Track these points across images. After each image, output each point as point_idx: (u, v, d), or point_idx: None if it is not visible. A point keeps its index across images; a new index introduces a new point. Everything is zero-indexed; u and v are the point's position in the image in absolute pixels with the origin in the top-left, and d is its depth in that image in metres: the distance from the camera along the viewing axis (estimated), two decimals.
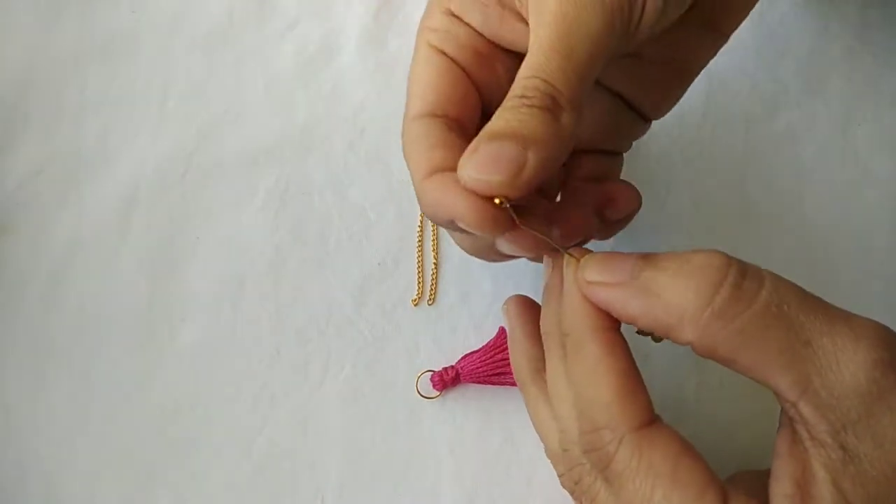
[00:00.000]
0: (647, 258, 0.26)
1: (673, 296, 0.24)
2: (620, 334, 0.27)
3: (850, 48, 0.42)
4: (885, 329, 0.25)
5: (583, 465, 0.27)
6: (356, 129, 0.41)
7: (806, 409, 0.23)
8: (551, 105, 0.25)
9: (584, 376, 0.27)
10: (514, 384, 0.36)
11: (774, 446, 0.25)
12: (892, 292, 0.38)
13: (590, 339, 0.26)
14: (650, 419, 0.26)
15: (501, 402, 0.36)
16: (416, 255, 0.39)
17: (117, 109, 0.41)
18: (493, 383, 0.36)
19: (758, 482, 0.28)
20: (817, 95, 0.41)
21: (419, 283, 0.38)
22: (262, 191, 0.40)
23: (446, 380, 0.36)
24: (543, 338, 0.30)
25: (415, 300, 0.38)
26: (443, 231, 0.39)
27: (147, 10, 0.43)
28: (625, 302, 0.26)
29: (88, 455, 0.36)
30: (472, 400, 0.36)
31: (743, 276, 0.24)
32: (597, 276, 0.26)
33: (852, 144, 0.40)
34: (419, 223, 0.39)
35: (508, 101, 0.25)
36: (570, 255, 0.28)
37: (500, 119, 0.25)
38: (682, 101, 0.41)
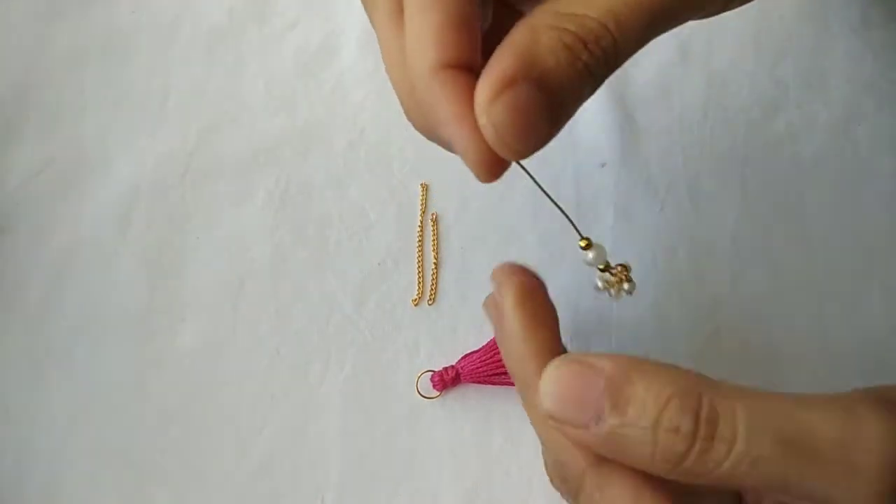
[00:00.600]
0: (612, 392, 0.23)
1: (639, 454, 0.23)
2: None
3: (850, 48, 0.42)
4: (873, 394, 0.23)
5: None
6: (356, 129, 0.41)
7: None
8: (603, 71, 0.22)
9: (537, 419, 0.26)
10: (513, 384, 0.36)
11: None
12: (892, 292, 0.38)
13: (532, 382, 0.26)
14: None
15: (501, 402, 0.36)
16: (416, 255, 0.39)
17: (117, 109, 0.41)
18: (493, 383, 0.36)
19: None
20: (817, 95, 0.41)
21: (419, 283, 0.38)
22: (262, 191, 0.40)
23: (446, 380, 0.36)
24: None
25: (415, 300, 0.38)
26: (443, 231, 0.39)
27: (147, 10, 0.43)
28: (590, 445, 0.24)
29: (88, 455, 0.36)
30: (472, 400, 0.36)
31: (712, 434, 0.22)
32: (559, 412, 0.24)
33: (852, 144, 0.40)
34: (419, 223, 0.39)
35: (566, 35, 0.22)
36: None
37: (552, 55, 0.21)
38: (681, 100, 0.41)
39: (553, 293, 0.38)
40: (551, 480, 0.29)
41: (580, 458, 0.25)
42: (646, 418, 0.22)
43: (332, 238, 0.39)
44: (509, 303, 0.27)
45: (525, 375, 0.26)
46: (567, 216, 0.28)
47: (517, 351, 0.26)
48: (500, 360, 0.36)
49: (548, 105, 0.22)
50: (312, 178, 0.40)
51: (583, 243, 0.27)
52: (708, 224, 0.39)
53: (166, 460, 0.36)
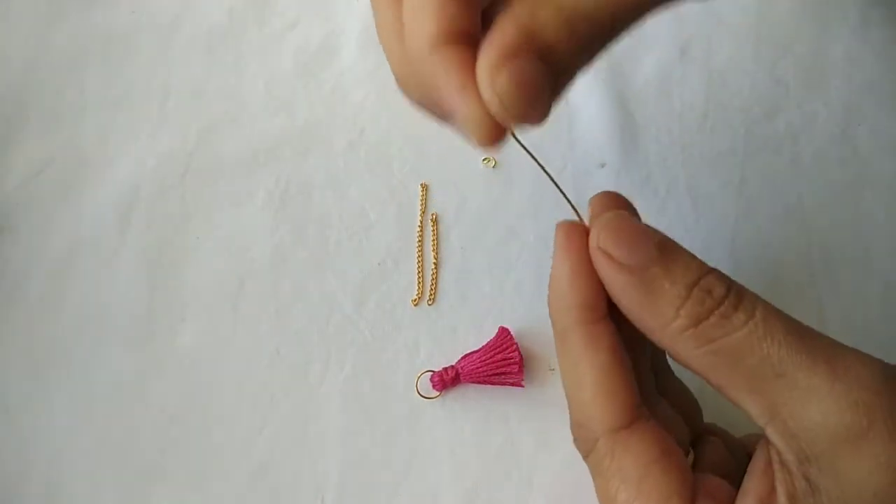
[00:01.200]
0: (663, 250, 0.25)
1: (666, 306, 0.25)
2: (608, 323, 0.26)
3: (850, 48, 0.42)
4: (878, 370, 0.24)
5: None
6: (356, 129, 0.41)
7: (774, 435, 0.24)
8: (598, 45, 0.23)
9: (566, 370, 0.27)
10: (514, 384, 0.36)
11: (753, 456, 0.26)
12: (892, 292, 0.38)
13: (573, 332, 0.26)
14: (629, 420, 0.26)
15: (501, 402, 0.36)
16: (416, 255, 0.39)
17: (117, 109, 0.41)
18: (493, 383, 0.36)
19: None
20: (817, 95, 0.41)
21: (419, 283, 0.38)
22: (262, 191, 0.40)
23: (446, 380, 0.36)
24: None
25: (415, 300, 0.38)
26: (443, 231, 0.39)
27: (147, 10, 0.43)
28: (624, 288, 0.25)
29: (88, 455, 0.36)
30: (472, 400, 0.36)
31: (736, 307, 0.25)
32: (610, 248, 0.25)
33: (852, 144, 0.40)
34: (419, 223, 0.39)
35: (565, 11, 0.22)
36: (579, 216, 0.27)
37: (552, 29, 0.22)
38: (681, 101, 0.41)
39: None
40: (572, 435, 0.29)
41: (598, 422, 0.26)
42: (687, 276, 0.25)
43: (332, 238, 0.39)
44: (560, 247, 0.27)
45: (564, 323, 0.27)
46: (577, 211, 0.28)
47: (561, 295, 0.27)
48: (500, 360, 0.36)
49: (550, 76, 0.22)
50: (312, 178, 0.40)
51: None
52: (708, 224, 0.39)
53: (166, 460, 0.36)
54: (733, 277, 0.26)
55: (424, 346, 0.37)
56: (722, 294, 0.25)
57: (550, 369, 0.36)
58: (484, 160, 0.40)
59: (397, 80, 0.25)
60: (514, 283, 0.38)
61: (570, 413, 0.27)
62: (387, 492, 0.35)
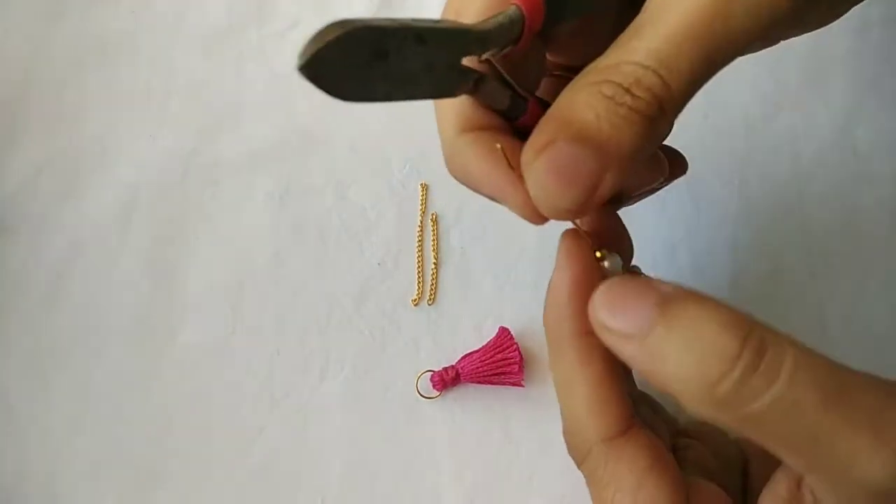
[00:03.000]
0: (665, 306, 0.23)
1: (676, 371, 0.22)
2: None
3: (850, 48, 0.42)
4: None
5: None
6: (356, 129, 0.41)
7: (814, 484, 0.23)
8: (657, 113, 0.21)
9: (560, 379, 0.26)
10: (513, 384, 0.36)
11: (774, 477, 0.25)
12: (892, 292, 0.38)
13: (566, 346, 0.26)
14: (623, 429, 0.25)
15: (501, 402, 0.36)
16: (416, 255, 0.39)
17: (117, 109, 0.41)
18: (493, 383, 0.36)
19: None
20: (817, 95, 0.41)
21: (419, 283, 0.38)
22: (262, 191, 0.40)
23: (446, 380, 0.36)
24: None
25: (415, 300, 0.38)
26: (443, 231, 0.39)
27: (147, 10, 0.43)
28: (631, 358, 0.23)
29: (88, 455, 0.36)
30: (472, 400, 0.36)
31: (754, 368, 0.22)
32: (608, 320, 0.24)
33: (852, 144, 0.40)
34: (419, 223, 0.39)
35: (605, 86, 0.21)
36: (601, 253, 0.26)
37: (589, 109, 0.21)
38: None
39: None
40: (566, 444, 0.29)
41: (592, 430, 0.25)
42: (692, 334, 0.22)
43: (332, 238, 0.39)
44: (562, 257, 0.26)
45: (559, 333, 0.26)
46: (585, 232, 0.27)
47: (558, 306, 0.26)
48: (500, 360, 0.36)
49: (596, 158, 0.21)
50: (312, 178, 0.40)
51: (599, 255, 0.26)
52: (708, 224, 0.39)
53: (166, 460, 0.36)
54: (734, 277, 0.26)
55: (424, 346, 0.37)
56: (734, 353, 0.22)
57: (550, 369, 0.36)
58: None
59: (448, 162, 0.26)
60: (514, 283, 0.38)
61: (563, 421, 0.27)
62: (387, 492, 0.35)
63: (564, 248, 0.26)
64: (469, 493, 0.35)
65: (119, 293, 0.38)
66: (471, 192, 0.40)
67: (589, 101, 0.21)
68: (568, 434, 0.27)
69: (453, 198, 0.40)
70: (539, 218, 0.23)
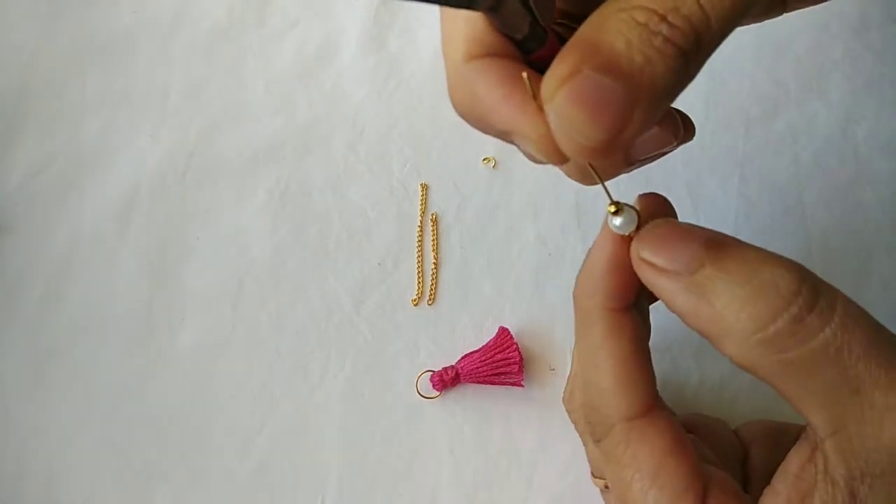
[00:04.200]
0: (714, 248, 0.22)
1: (725, 308, 0.22)
2: (631, 313, 0.26)
3: (850, 48, 0.42)
4: None
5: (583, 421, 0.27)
6: (356, 129, 0.41)
7: (831, 449, 0.22)
8: (693, 48, 0.19)
9: (587, 355, 0.26)
10: (514, 384, 0.36)
11: (787, 456, 0.25)
12: (892, 292, 0.38)
13: (596, 319, 0.26)
14: (646, 409, 0.25)
15: (501, 402, 0.36)
16: (416, 255, 0.39)
17: (117, 109, 0.41)
18: (492, 383, 0.36)
19: (768, 433, 0.28)
20: (817, 95, 0.41)
21: (419, 283, 0.38)
22: (262, 191, 0.40)
23: (446, 380, 0.36)
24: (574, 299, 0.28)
25: (415, 300, 0.38)
26: (443, 231, 0.39)
27: (147, 10, 0.43)
28: (673, 294, 0.23)
29: (88, 455, 0.36)
30: (472, 400, 0.36)
31: (809, 308, 0.21)
32: (652, 255, 0.23)
33: (852, 144, 0.40)
34: (419, 223, 0.39)
35: (638, 12, 0.19)
36: (628, 207, 0.24)
37: (620, 36, 0.19)
38: (682, 100, 0.41)
39: (553, 293, 0.38)
40: (569, 414, 0.29)
41: (616, 407, 0.25)
42: (747, 271, 0.21)
43: (332, 238, 0.39)
44: (607, 232, 0.25)
45: (590, 307, 0.26)
46: (599, 177, 0.25)
47: (593, 278, 0.25)
48: (500, 360, 0.36)
49: (625, 91, 0.19)
50: (312, 178, 0.40)
51: (611, 208, 0.25)
52: (708, 224, 0.39)
53: (166, 460, 0.36)
54: None
55: (424, 346, 0.37)
56: (793, 289, 0.21)
57: (550, 369, 0.37)
58: (484, 160, 0.40)
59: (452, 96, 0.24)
60: (514, 283, 0.38)
61: (585, 396, 0.26)
62: (387, 492, 0.35)
63: (609, 230, 0.25)
64: (469, 493, 0.35)
65: (119, 293, 0.38)
66: (471, 192, 0.40)
67: (620, 28, 0.19)
68: (589, 409, 0.26)
69: (453, 198, 0.40)
70: (558, 156, 0.20)
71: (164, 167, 0.40)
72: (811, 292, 0.21)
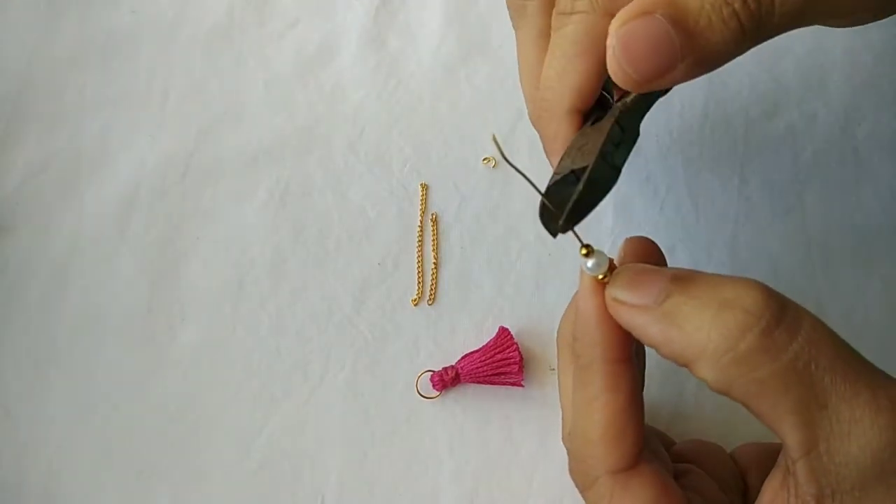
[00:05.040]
0: (679, 280, 0.24)
1: (695, 331, 0.22)
2: (631, 364, 0.26)
3: (850, 48, 0.42)
4: None
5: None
6: (356, 129, 0.41)
7: (801, 470, 0.23)
8: (752, 30, 0.22)
9: (581, 405, 0.26)
10: (514, 384, 0.36)
11: (762, 487, 0.25)
12: (892, 292, 0.38)
13: (596, 370, 0.26)
14: (632, 463, 0.25)
15: (501, 402, 0.36)
16: (416, 255, 0.39)
17: (117, 109, 0.41)
18: (493, 383, 0.36)
19: (764, 457, 0.28)
20: (817, 95, 0.41)
21: (419, 283, 0.38)
22: (262, 191, 0.40)
23: (446, 380, 0.36)
24: (558, 345, 0.29)
25: (415, 300, 0.38)
26: (443, 231, 0.39)
27: (147, 10, 0.43)
28: (645, 327, 0.24)
29: (88, 455, 0.36)
30: (472, 400, 0.36)
31: (776, 323, 0.22)
32: (622, 294, 0.24)
33: (852, 144, 0.40)
34: (419, 223, 0.39)
35: None
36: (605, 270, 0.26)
37: None
38: (682, 100, 0.41)
39: (553, 293, 0.38)
40: (569, 464, 0.29)
41: (602, 460, 0.25)
42: (711, 294, 0.22)
43: (332, 238, 0.39)
44: (589, 282, 0.26)
45: (588, 357, 0.26)
46: (575, 233, 0.27)
47: (588, 330, 0.26)
48: (500, 360, 0.36)
49: (681, 45, 0.22)
50: (312, 178, 0.40)
51: (583, 251, 0.26)
52: (708, 224, 0.39)
53: (166, 460, 0.36)
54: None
55: (424, 346, 0.37)
56: (759, 305, 0.22)
57: (551, 369, 0.36)
58: (484, 160, 0.40)
59: (529, 112, 0.29)
60: (514, 283, 0.38)
61: (572, 446, 0.27)
62: (387, 492, 0.35)
63: (595, 280, 0.26)
64: (469, 494, 0.35)
65: (119, 293, 0.38)
66: (471, 192, 0.40)
67: None
68: (575, 458, 0.27)
69: (453, 198, 0.40)
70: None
71: (164, 167, 0.40)
72: (777, 308, 0.22)
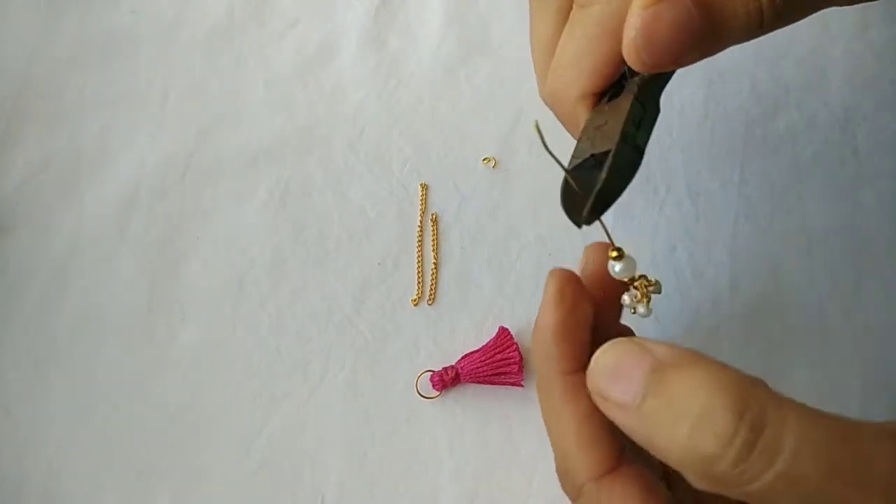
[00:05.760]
0: (658, 374, 0.22)
1: (672, 445, 0.21)
2: (585, 374, 0.25)
3: (850, 48, 0.42)
4: None
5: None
6: (356, 129, 0.41)
7: None
8: (770, 19, 0.23)
9: (550, 418, 0.27)
10: (513, 384, 0.36)
11: None
12: (892, 292, 0.38)
13: (553, 383, 0.26)
14: (612, 465, 0.25)
15: (501, 402, 0.36)
16: (416, 255, 0.39)
17: (117, 109, 0.41)
18: (492, 383, 0.36)
19: None
20: (817, 95, 0.41)
21: (419, 283, 0.38)
22: (262, 191, 0.40)
23: (446, 380, 0.36)
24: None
25: (415, 300, 0.38)
26: (443, 231, 0.39)
27: (147, 10, 0.43)
28: (626, 425, 0.23)
29: (88, 455, 0.36)
30: (472, 400, 0.36)
31: (751, 447, 0.20)
32: (604, 391, 0.24)
33: (852, 144, 0.40)
34: (419, 223, 0.39)
35: None
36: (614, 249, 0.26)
37: None
38: (682, 100, 0.41)
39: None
40: (559, 481, 0.29)
41: (581, 468, 0.25)
42: (685, 407, 0.21)
43: (332, 238, 0.39)
44: (549, 298, 0.26)
45: (545, 372, 0.26)
46: (604, 225, 0.26)
47: (545, 345, 0.26)
48: (500, 360, 0.36)
49: (701, 31, 0.23)
50: (312, 178, 0.40)
51: (614, 253, 0.26)
52: (708, 224, 0.39)
53: (166, 460, 0.36)
54: (733, 277, 0.25)
55: (424, 346, 0.37)
56: (729, 431, 0.20)
57: None
58: (484, 160, 0.40)
59: (540, 89, 0.28)
60: (514, 283, 0.38)
61: (555, 459, 0.27)
62: (387, 492, 0.35)
63: (551, 290, 0.26)
64: (469, 494, 0.35)
65: (119, 293, 0.38)
66: (471, 192, 0.40)
67: None
68: (560, 472, 0.27)
69: (453, 198, 0.40)
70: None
71: (164, 167, 0.40)
72: (752, 428, 0.20)
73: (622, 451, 0.26)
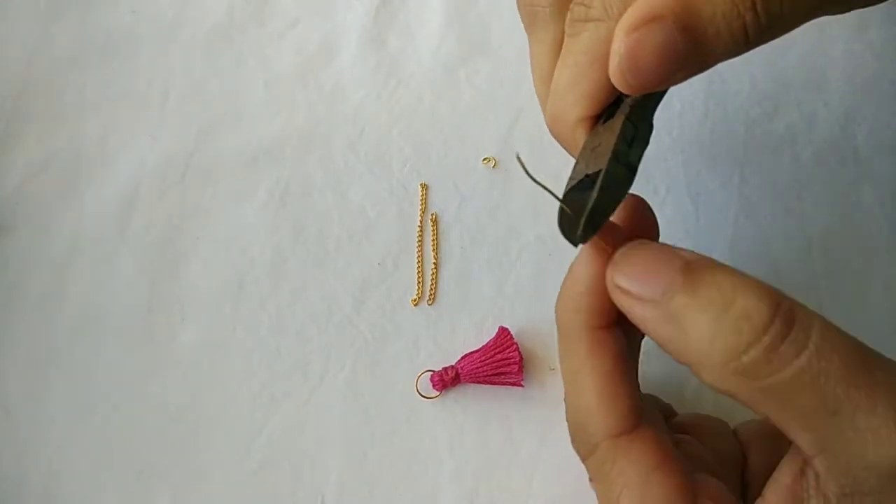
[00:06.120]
0: (689, 273, 0.23)
1: (698, 337, 0.22)
2: (612, 331, 0.26)
3: (850, 48, 0.42)
4: None
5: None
6: (356, 129, 0.41)
7: (821, 467, 0.22)
8: (754, 38, 0.23)
9: (569, 374, 0.26)
10: (514, 384, 0.36)
11: (779, 465, 0.25)
12: (892, 292, 0.38)
13: (577, 338, 0.26)
14: (631, 426, 0.25)
15: (501, 402, 0.36)
16: (416, 255, 0.39)
17: (117, 109, 0.41)
18: (492, 383, 0.36)
19: (767, 433, 0.28)
20: (817, 95, 0.41)
21: (419, 283, 0.38)
22: (262, 191, 0.40)
23: (446, 380, 0.36)
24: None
25: (415, 300, 0.38)
26: (443, 231, 0.39)
27: (147, 10, 0.43)
28: (646, 321, 0.23)
29: (88, 455, 0.36)
30: (472, 400, 0.36)
31: (783, 336, 0.21)
32: (627, 283, 0.24)
33: (852, 144, 0.40)
34: (419, 223, 0.39)
35: None
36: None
37: (711, 5, 0.22)
38: (682, 100, 0.41)
39: (553, 293, 0.38)
40: (570, 435, 0.29)
41: (600, 425, 0.25)
42: (721, 300, 0.22)
43: (332, 238, 0.39)
44: (588, 250, 0.26)
45: (571, 326, 0.26)
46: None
47: (574, 296, 0.26)
48: (500, 360, 0.36)
49: (685, 53, 0.22)
50: (312, 178, 0.40)
51: None
52: (708, 224, 0.39)
53: (166, 460, 0.36)
54: None
55: (424, 346, 0.37)
56: (765, 320, 0.21)
57: (551, 369, 0.36)
58: (484, 160, 0.40)
59: (545, 119, 0.29)
60: (514, 283, 0.38)
61: (570, 414, 0.27)
62: (387, 492, 0.35)
63: (592, 243, 0.26)
64: (469, 494, 0.35)
65: (119, 293, 0.38)
66: (471, 192, 0.40)
67: None
68: (574, 427, 0.27)
69: (453, 198, 0.40)
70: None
71: (164, 167, 0.40)
72: (784, 321, 0.22)
73: (640, 415, 0.26)
